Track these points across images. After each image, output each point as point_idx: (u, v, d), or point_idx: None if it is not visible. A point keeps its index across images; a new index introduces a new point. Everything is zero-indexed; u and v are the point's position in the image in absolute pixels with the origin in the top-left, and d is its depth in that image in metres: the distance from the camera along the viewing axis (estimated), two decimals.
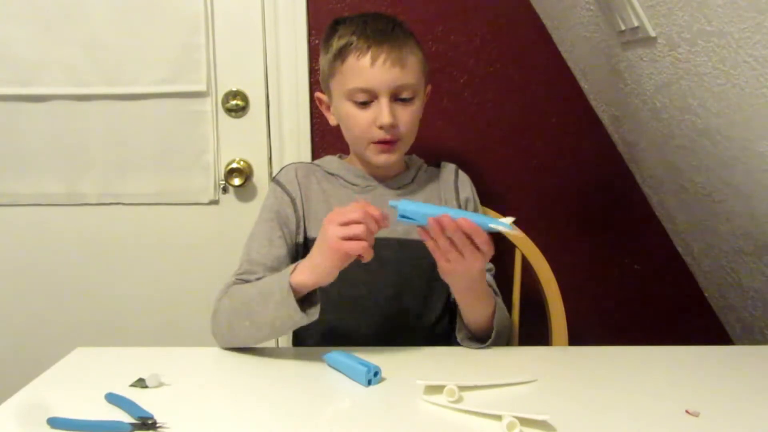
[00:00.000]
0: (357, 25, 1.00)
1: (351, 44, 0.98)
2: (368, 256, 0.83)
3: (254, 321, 0.90)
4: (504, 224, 0.82)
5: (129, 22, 1.43)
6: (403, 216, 0.83)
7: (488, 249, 0.83)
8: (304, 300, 0.87)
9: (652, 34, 1.03)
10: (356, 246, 0.82)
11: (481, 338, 0.95)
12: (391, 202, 0.84)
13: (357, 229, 0.82)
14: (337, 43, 1.01)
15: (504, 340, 0.99)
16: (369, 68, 0.97)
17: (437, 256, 0.85)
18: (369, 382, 0.80)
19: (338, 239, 0.82)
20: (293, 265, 0.88)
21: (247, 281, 0.97)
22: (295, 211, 1.06)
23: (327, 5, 1.43)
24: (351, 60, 0.99)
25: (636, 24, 1.04)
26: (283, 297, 0.85)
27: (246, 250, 1.04)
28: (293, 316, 0.86)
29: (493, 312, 0.95)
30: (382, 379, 0.82)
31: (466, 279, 0.90)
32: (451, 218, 0.80)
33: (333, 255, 0.83)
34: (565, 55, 1.45)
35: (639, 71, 1.16)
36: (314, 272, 0.86)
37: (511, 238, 1.19)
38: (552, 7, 1.39)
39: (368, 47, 0.97)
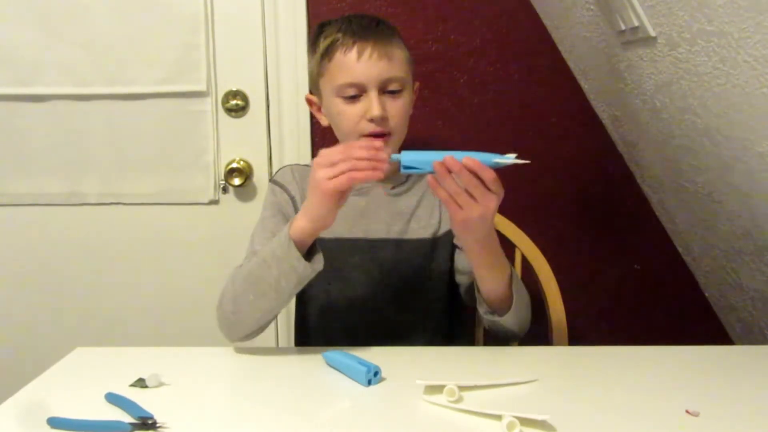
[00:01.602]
0: (342, 24, 1.02)
1: (337, 41, 1.00)
2: (374, 176, 0.82)
3: (257, 290, 0.89)
4: (508, 158, 0.81)
5: (129, 22, 1.43)
6: (406, 167, 0.82)
7: (498, 188, 0.81)
8: (306, 254, 0.87)
9: (652, 34, 1.03)
10: (345, 179, 0.81)
11: (502, 310, 0.93)
12: (393, 156, 0.83)
13: (343, 166, 0.81)
14: (323, 43, 1.02)
15: (525, 309, 0.97)
16: (356, 62, 0.98)
17: (449, 204, 0.82)
18: (369, 382, 0.80)
19: (326, 180, 0.82)
20: (288, 224, 0.88)
21: None
22: (295, 209, 1.06)
23: (327, 5, 1.43)
24: (338, 56, 1.00)
25: (636, 24, 1.04)
26: (284, 250, 0.85)
27: (250, 244, 1.04)
28: (297, 268, 0.85)
29: (510, 275, 0.92)
30: (382, 379, 0.82)
31: (481, 227, 0.85)
32: (454, 159, 0.79)
33: (324, 196, 0.83)
34: (565, 55, 1.45)
35: (639, 71, 1.16)
36: (311, 217, 0.85)
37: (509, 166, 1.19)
38: (552, 7, 1.39)
39: (354, 42, 0.99)
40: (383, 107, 0.99)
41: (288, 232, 0.86)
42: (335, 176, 0.81)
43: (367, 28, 1.00)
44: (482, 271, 0.92)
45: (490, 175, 0.80)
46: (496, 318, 0.94)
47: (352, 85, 0.99)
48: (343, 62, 0.99)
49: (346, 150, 0.82)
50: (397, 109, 1.01)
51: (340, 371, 0.84)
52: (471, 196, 0.80)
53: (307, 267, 0.86)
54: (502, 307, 0.93)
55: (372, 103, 0.98)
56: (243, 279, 0.92)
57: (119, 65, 1.44)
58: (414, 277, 1.05)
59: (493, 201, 0.81)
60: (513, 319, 0.94)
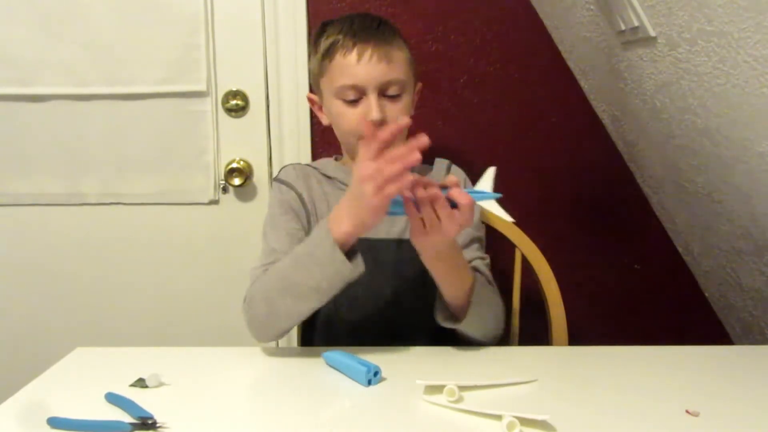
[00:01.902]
0: (343, 24, 1.01)
1: (337, 42, 1.00)
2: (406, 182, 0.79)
3: (297, 292, 0.88)
4: (498, 210, 0.81)
5: (129, 22, 1.43)
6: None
7: (467, 217, 0.80)
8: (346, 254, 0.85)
9: (652, 34, 1.03)
10: (395, 189, 0.78)
11: (462, 318, 0.93)
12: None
13: (393, 189, 0.78)
14: (324, 43, 1.02)
15: (491, 319, 0.97)
16: (355, 64, 0.98)
17: (412, 218, 0.81)
18: (369, 382, 0.80)
19: (375, 194, 0.78)
20: (325, 221, 0.86)
21: None
22: (303, 205, 1.06)
23: (327, 5, 1.43)
24: (338, 58, 1.00)
25: (636, 24, 1.04)
26: (327, 255, 0.83)
27: (265, 245, 1.03)
28: (342, 271, 0.84)
29: (471, 287, 0.92)
30: (382, 379, 0.82)
31: (439, 245, 0.86)
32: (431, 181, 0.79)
33: (378, 209, 0.80)
34: (565, 55, 1.45)
35: (639, 71, 1.16)
36: (356, 224, 0.83)
37: (507, 234, 1.19)
38: (552, 7, 1.39)
39: (354, 44, 0.98)
40: (382, 110, 0.98)
41: (330, 236, 0.84)
42: (381, 188, 0.78)
43: (368, 30, 1.00)
44: (441, 280, 0.92)
45: (466, 200, 0.79)
46: (456, 325, 0.93)
47: (351, 87, 0.99)
48: (342, 64, 0.99)
49: (399, 157, 0.78)
50: (397, 112, 1.00)
51: (340, 371, 0.84)
52: (436, 213, 0.80)
53: (354, 270, 0.85)
54: (463, 314, 0.93)
55: (371, 107, 0.98)
56: (278, 281, 0.91)
57: (119, 65, 1.44)
58: (414, 277, 1.05)
59: (456, 226, 0.80)
60: (472, 327, 0.93)
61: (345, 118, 1.01)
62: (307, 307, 0.90)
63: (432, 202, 0.79)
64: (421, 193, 0.79)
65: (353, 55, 0.98)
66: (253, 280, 0.96)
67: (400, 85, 1.01)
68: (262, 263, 0.99)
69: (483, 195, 0.83)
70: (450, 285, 0.92)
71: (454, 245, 0.90)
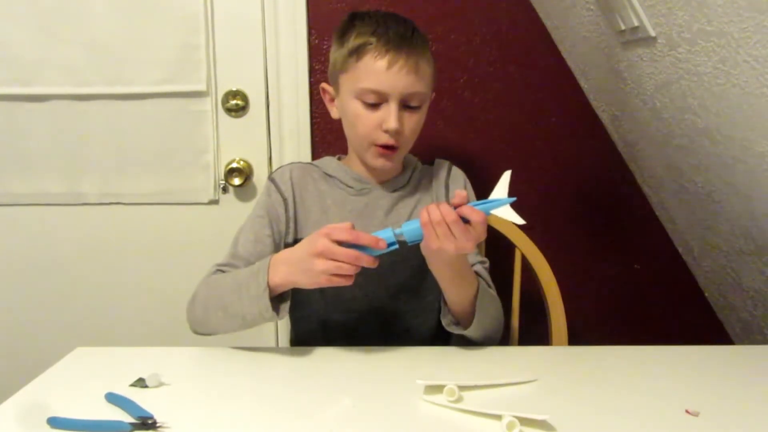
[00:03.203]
0: (377, 26, 0.99)
1: (370, 44, 0.97)
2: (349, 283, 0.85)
3: (227, 311, 0.93)
4: (506, 212, 0.83)
5: (129, 22, 1.43)
6: (411, 241, 0.85)
7: (480, 232, 0.82)
8: (277, 297, 0.90)
9: (652, 33, 1.03)
10: (341, 282, 0.83)
11: (466, 323, 0.94)
12: (394, 232, 0.84)
13: (346, 270, 0.82)
14: (354, 40, 0.99)
15: (494, 323, 0.98)
16: (385, 71, 0.96)
17: (427, 230, 0.83)
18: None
19: (326, 275, 0.83)
20: (269, 260, 0.89)
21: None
22: (286, 211, 1.06)
23: (327, 5, 1.43)
24: (367, 59, 0.97)
25: (636, 24, 1.04)
26: (258, 294, 0.88)
27: (233, 242, 1.06)
28: (264, 314, 0.88)
29: (476, 294, 0.94)
30: (382, 380, 0.81)
31: (451, 257, 0.88)
32: (449, 209, 0.82)
33: (315, 280, 0.84)
34: (565, 55, 1.45)
35: (639, 71, 1.16)
36: (293, 280, 0.88)
37: (510, 235, 1.19)
38: (552, 7, 1.39)
39: (387, 51, 0.96)
40: (400, 121, 0.98)
41: (265, 277, 0.87)
42: (333, 275, 0.82)
43: (403, 37, 0.98)
44: (448, 286, 0.94)
45: (478, 217, 0.81)
46: (461, 330, 0.95)
47: (375, 92, 0.98)
48: (371, 67, 0.97)
49: (355, 260, 0.82)
50: (412, 124, 1.01)
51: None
52: (449, 228, 0.82)
53: (274, 316, 0.89)
54: (468, 319, 0.95)
55: (390, 116, 0.97)
56: (216, 294, 0.95)
57: (119, 65, 1.44)
58: (412, 277, 1.05)
59: (471, 242, 0.82)
60: (477, 332, 0.94)
61: (361, 121, 1.00)
62: (233, 327, 0.94)
63: (447, 222, 0.81)
64: (435, 215, 0.81)
65: (384, 62, 0.96)
66: (203, 279, 1.00)
67: (421, 98, 1.00)
68: (221, 262, 1.03)
69: (494, 204, 0.83)
70: (456, 291, 0.93)
71: (460, 256, 0.90)
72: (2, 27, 1.43)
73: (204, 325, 0.97)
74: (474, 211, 0.81)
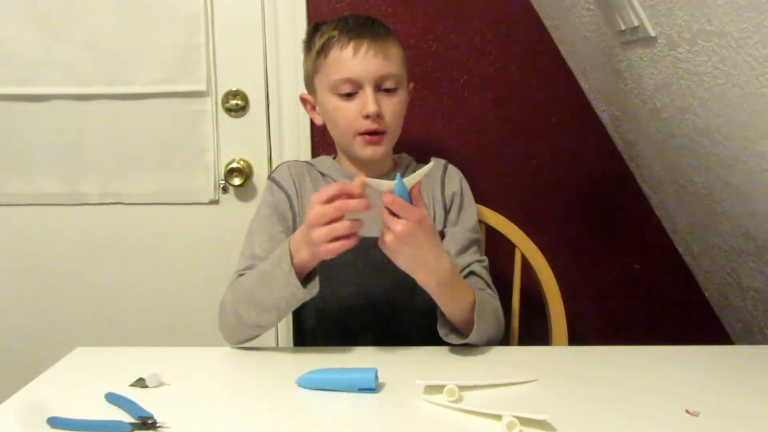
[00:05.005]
0: (338, 21, 1.03)
1: (333, 38, 1.00)
2: (353, 243, 0.83)
3: (260, 306, 0.92)
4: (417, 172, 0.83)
5: (129, 22, 1.43)
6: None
7: (406, 211, 0.81)
8: (305, 276, 0.89)
9: (652, 33, 1.03)
10: (342, 246, 0.82)
11: (467, 330, 0.93)
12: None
13: (340, 230, 0.82)
14: (319, 41, 1.03)
15: (493, 329, 0.97)
16: (352, 58, 0.99)
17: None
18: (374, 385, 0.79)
19: (325, 244, 0.82)
20: (288, 243, 0.89)
21: None
22: (291, 207, 1.07)
23: (327, 5, 1.43)
24: (334, 53, 1.00)
25: (636, 24, 1.04)
26: (285, 278, 0.87)
27: (246, 246, 1.04)
28: (296, 294, 0.88)
29: (473, 303, 0.92)
30: (382, 380, 0.81)
31: (400, 251, 0.86)
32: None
33: (317, 251, 0.84)
34: (565, 55, 1.45)
35: (639, 71, 1.16)
36: (313, 254, 0.86)
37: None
38: (552, 7, 1.39)
39: (350, 39, 0.99)
40: (378, 104, 0.99)
41: (288, 258, 0.87)
42: (331, 241, 0.82)
43: (363, 26, 1.01)
44: (439, 298, 0.92)
45: (386, 199, 0.81)
46: (460, 340, 0.93)
47: (347, 80, 0.99)
48: (339, 58, 1.00)
49: (341, 206, 0.81)
50: (393, 107, 1.01)
51: (330, 389, 0.80)
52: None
53: (306, 293, 0.88)
54: (467, 328, 0.93)
55: (368, 100, 0.98)
56: (245, 294, 0.94)
57: (119, 65, 1.44)
58: (407, 276, 1.04)
59: (397, 225, 0.81)
60: (476, 341, 0.93)
61: (340, 113, 1.01)
62: (270, 320, 0.93)
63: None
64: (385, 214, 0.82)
65: (349, 50, 0.99)
66: (228, 287, 0.99)
67: (396, 80, 1.01)
68: (240, 268, 1.01)
69: (398, 187, 0.82)
70: (452, 306, 0.93)
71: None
72: (2, 27, 1.43)
73: (239, 330, 0.96)
74: (388, 198, 0.81)
